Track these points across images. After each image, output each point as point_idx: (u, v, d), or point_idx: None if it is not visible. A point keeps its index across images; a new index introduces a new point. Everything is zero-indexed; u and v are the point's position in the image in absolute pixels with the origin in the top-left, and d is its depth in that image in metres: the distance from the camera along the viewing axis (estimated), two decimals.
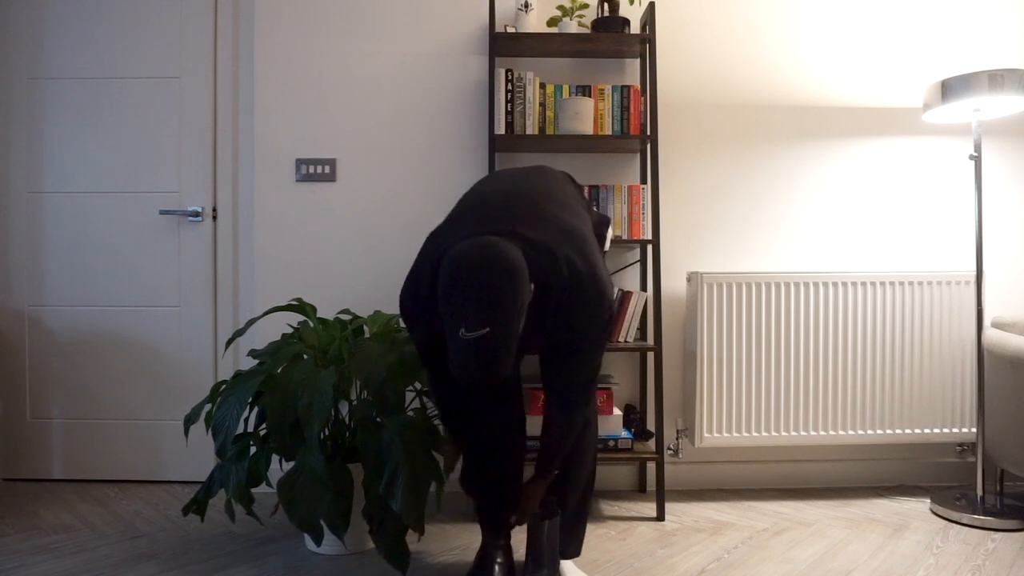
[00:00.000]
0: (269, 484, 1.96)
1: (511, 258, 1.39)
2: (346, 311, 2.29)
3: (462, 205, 1.65)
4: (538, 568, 1.72)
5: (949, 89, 2.26)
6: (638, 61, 2.58)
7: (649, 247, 2.51)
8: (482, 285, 1.35)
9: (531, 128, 2.40)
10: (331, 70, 2.56)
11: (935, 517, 2.30)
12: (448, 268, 1.39)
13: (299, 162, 2.55)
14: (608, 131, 2.42)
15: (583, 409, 1.65)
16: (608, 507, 2.41)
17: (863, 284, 2.46)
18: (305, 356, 2.03)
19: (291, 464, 1.98)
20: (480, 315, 1.33)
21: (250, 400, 1.90)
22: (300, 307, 2.10)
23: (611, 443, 2.30)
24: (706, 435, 2.43)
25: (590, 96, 2.42)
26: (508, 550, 1.84)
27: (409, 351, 2.02)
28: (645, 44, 2.43)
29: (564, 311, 1.53)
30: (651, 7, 2.37)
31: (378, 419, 1.91)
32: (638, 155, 2.59)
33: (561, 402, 1.64)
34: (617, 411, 2.36)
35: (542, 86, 2.42)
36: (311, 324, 2.12)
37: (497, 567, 1.80)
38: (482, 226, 1.51)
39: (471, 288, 1.35)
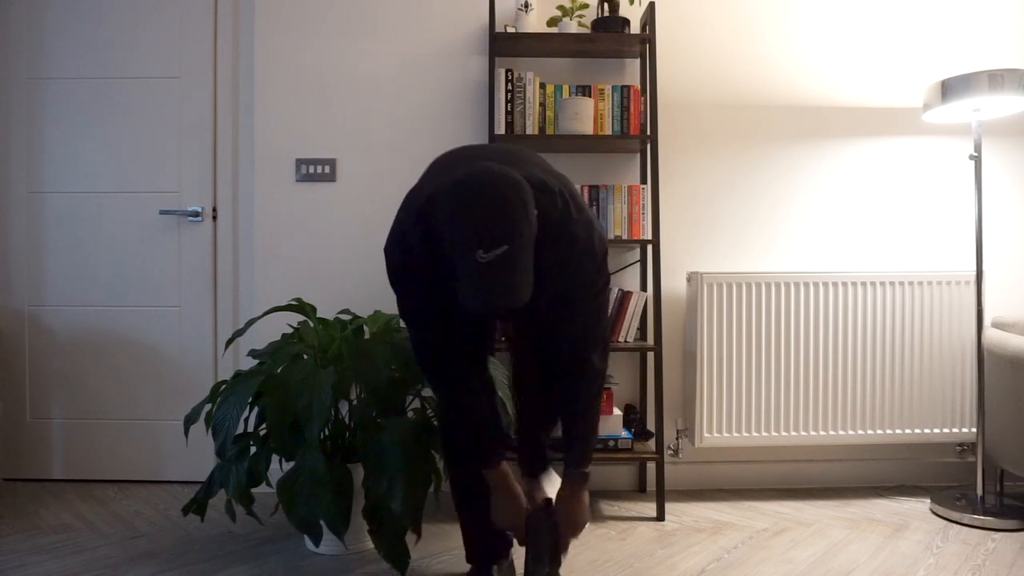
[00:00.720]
0: (269, 484, 1.97)
1: (516, 176, 1.35)
2: (346, 311, 2.29)
3: (438, 162, 1.60)
4: (539, 565, 1.72)
5: (949, 89, 2.26)
6: (638, 61, 2.58)
7: (649, 247, 2.51)
8: (495, 201, 1.29)
9: (531, 128, 2.40)
10: (331, 70, 2.56)
11: (935, 517, 2.30)
12: (452, 195, 1.32)
13: (299, 162, 2.55)
14: (608, 131, 2.42)
15: (602, 375, 1.61)
16: (608, 507, 2.41)
17: (863, 284, 2.46)
18: (305, 356, 2.03)
19: (291, 464, 1.98)
20: (497, 231, 1.28)
21: (250, 400, 1.90)
22: (300, 307, 2.10)
23: (611, 443, 2.30)
24: (706, 435, 2.43)
25: (590, 96, 2.42)
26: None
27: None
28: (645, 44, 2.43)
29: (561, 258, 1.49)
30: (651, 7, 2.37)
31: (378, 419, 1.91)
32: (638, 155, 2.59)
33: (579, 368, 1.59)
34: (617, 411, 2.36)
35: (542, 86, 2.42)
36: (311, 324, 2.12)
37: (495, 569, 1.79)
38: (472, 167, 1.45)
39: (484, 206, 1.29)
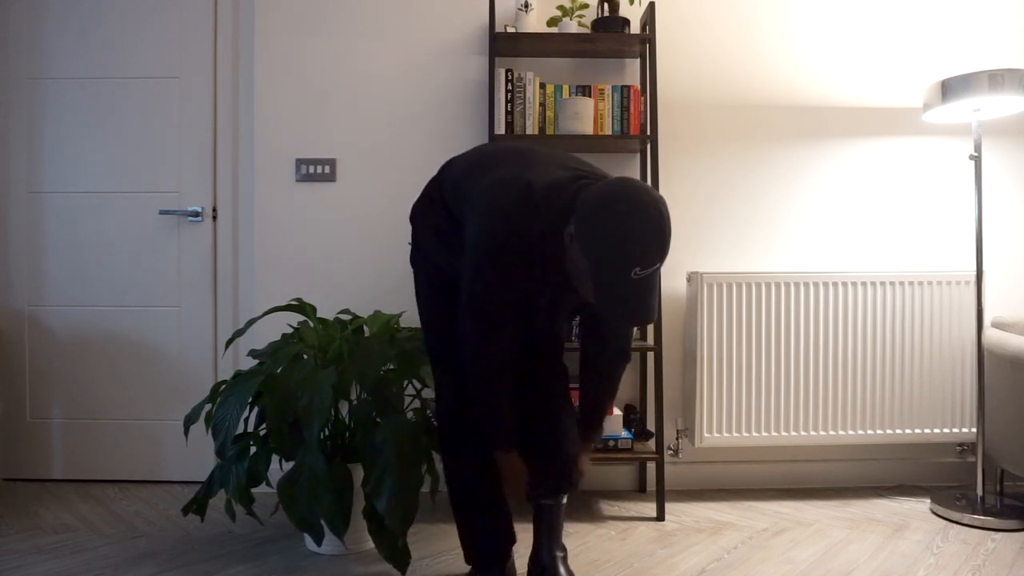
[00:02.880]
0: (269, 484, 1.97)
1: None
2: (346, 311, 2.29)
3: (505, 151, 1.61)
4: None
5: (949, 89, 2.26)
6: (638, 61, 2.58)
7: None
8: (656, 221, 1.33)
9: (531, 128, 2.40)
10: (331, 70, 2.56)
11: (935, 517, 2.30)
12: (613, 214, 1.33)
13: (299, 162, 2.55)
14: (608, 131, 2.42)
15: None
16: (608, 507, 2.41)
17: (863, 284, 2.46)
18: (305, 356, 2.03)
19: (291, 464, 1.98)
20: (659, 250, 1.33)
21: (250, 400, 1.90)
22: (300, 307, 2.11)
23: (611, 443, 2.30)
24: (706, 435, 2.43)
25: (590, 96, 2.42)
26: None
27: (411, 347, 2.02)
28: (645, 44, 2.43)
29: None
30: (651, 7, 2.37)
31: (378, 419, 1.91)
32: (638, 155, 2.59)
33: (620, 351, 1.70)
34: (617, 411, 2.36)
35: (542, 86, 2.42)
36: (311, 324, 2.12)
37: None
38: (582, 169, 1.52)
39: (649, 225, 1.33)
